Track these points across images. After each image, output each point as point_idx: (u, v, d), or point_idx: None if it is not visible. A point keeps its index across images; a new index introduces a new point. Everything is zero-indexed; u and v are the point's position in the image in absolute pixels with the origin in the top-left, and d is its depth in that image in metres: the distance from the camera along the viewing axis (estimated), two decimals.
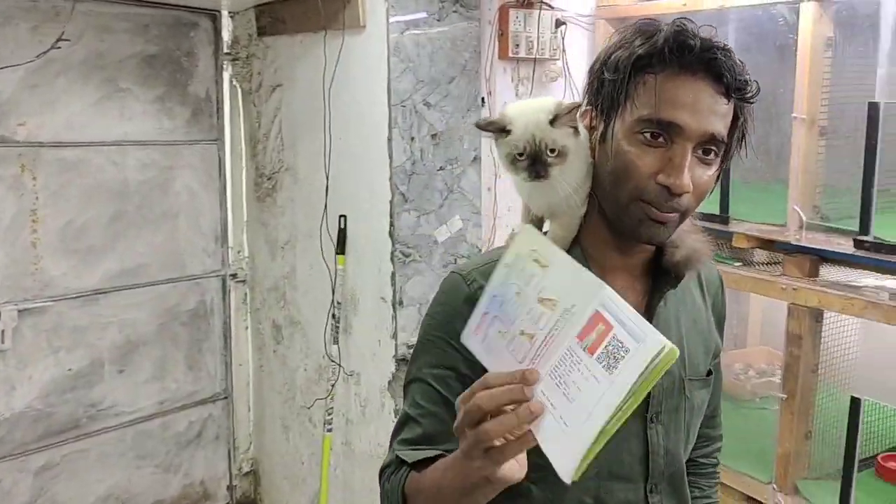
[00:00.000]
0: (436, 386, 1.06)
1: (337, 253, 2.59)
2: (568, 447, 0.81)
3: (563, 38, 2.49)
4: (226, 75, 3.05)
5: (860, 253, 1.88)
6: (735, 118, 1.00)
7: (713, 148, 0.99)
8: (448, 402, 1.06)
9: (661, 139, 0.97)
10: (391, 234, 2.39)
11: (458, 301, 1.07)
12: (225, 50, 3.04)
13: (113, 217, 2.75)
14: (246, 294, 3.25)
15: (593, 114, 1.04)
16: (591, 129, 1.05)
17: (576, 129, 1.03)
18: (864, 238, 1.86)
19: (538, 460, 1.04)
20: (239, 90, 3.10)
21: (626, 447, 1.08)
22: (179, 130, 2.91)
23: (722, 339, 1.22)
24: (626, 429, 1.02)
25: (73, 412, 2.71)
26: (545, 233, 1.10)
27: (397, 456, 1.06)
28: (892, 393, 2.04)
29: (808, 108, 1.97)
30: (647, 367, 0.77)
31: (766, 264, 2.26)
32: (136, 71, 2.77)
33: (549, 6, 2.47)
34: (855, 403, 1.90)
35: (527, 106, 1.06)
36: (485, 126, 1.06)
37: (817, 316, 2.01)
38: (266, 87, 2.96)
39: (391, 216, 2.37)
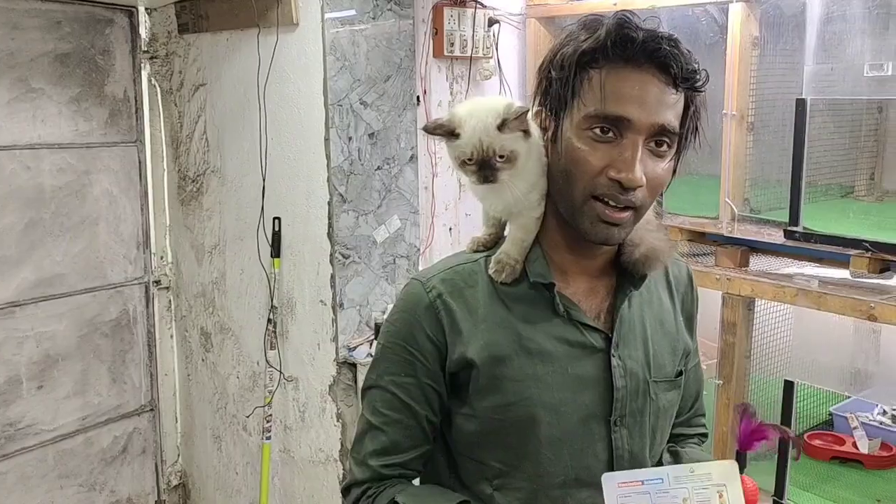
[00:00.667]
0: (397, 393, 1.06)
1: (272, 256, 2.53)
2: None
3: (496, 37, 2.51)
4: (144, 74, 2.93)
5: (790, 243, 1.97)
6: (686, 108, 0.99)
7: (665, 139, 0.97)
8: (410, 408, 1.06)
9: (610, 134, 0.96)
10: (330, 236, 2.35)
11: (417, 308, 1.06)
12: (143, 48, 2.91)
13: (28, 225, 2.60)
14: (171, 301, 3.13)
15: (544, 114, 1.03)
16: (543, 128, 1.04)
17: (526, 132, 1.02)
18: (794, 228, 1.95)
19: (501, 466, 1.04)
20: (158, 90, 2.98)
21: (590, 452, 1.05)
22: (97, 132, 2.78)
23: (693, 338, 1.20)
24: (590, 434, 1.04)
25: None
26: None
27: (376, 471, 1.05)
28: (821, 375, 2.15)
29: (738, 104, 2.05)
30: None
31: (699, 256, 2.34)
32: (48, 70, 2.62)
33: (482, 5, 2.48)
34: (788, 386, 1.99)
35: (477, 107, 1.04)
36: (433, 130, 1.04)
37: (749, 304, 2.09)
38: (188, 87, 2.86)
39: (330, 217, 2.33)
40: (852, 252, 1.85)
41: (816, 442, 2.26)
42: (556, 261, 1.07)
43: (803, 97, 1.88)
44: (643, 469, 0.99)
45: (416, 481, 1.12)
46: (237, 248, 2.73)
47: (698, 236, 2.26)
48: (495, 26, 2.51)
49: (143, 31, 2.92)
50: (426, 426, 1.07)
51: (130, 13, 2.85)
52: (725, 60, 2.03)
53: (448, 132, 1.02)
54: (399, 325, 1.07)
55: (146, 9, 2.91)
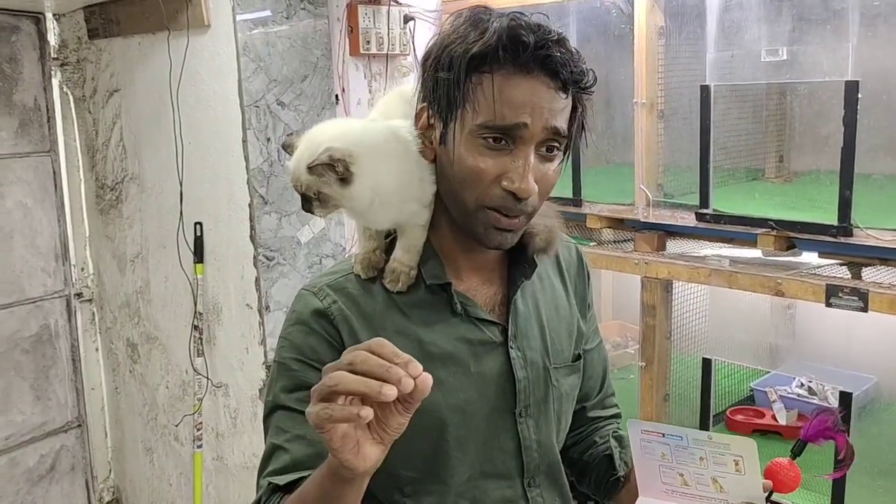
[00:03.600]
0: (298, 408, 0.98)
1: (195, 262, 2.49)
2: None
3: (412, 34, 2.52)
4: (55, 82, 2.85)
5: (702, 225, 2.03)
6: (574, 109, 0.98)
7: (556, 143, 0.97)
8: None
9: (502, 142, 0.94)
10: (252, 238, 2.33)
11: (309, 317, 1.01)
12: (52, 55, 2.83)
13: None
14: (94, 313, 3.05)
15: (430, 112, 0.98)
16: (428, 127, 1.00)
17: (344, 179, 0.97)
18: (705, 211, 2.01)
19: (412, 474, 1.02)
20: (71, 97, 2.90)
21: (496, 444, 1.05)
22: (6, 143, 2.69)
23: (588, 319, 1.21)
24: (496, 427, 1.04)
25: None
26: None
27: (269, 483, 0.98)
28: (738, 351, 2.22)
29: (647, 93, 2.10)
30: None
31: (619, 242, 2.40)
32: None
33: (397, 2, 2.49)
34: (706, 363, 2.06)
35: (311, 137, 1.00)
36: (286, 148, 1.02)
37: (667, 286, 2.15)
38: (102, 93, 2.79)
39: (251, 220, 2.31)
40: (758, 231, 1.92)
41: (738, 417, 2.34)
42: (450, 258, 1.05)
43: (707, 84, 1.94)
44: (665, 425, 0.99)
45: None
46: (160, 256, 2.68)
47: (617, 223, 2.31)
48: (411, 23, 2.52)
49: (52, 38, 2.84)
50: None
51: (37, 20, 2.77)
52: (633, 50, 2.09)
53: (290, 154, 1.01)
54: (293, 337, 1.02)
55: (54, 15, 2.83)
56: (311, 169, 0.96)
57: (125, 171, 2.77)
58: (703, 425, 2.07)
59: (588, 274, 1.22)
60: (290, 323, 1.04)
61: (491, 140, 0.94)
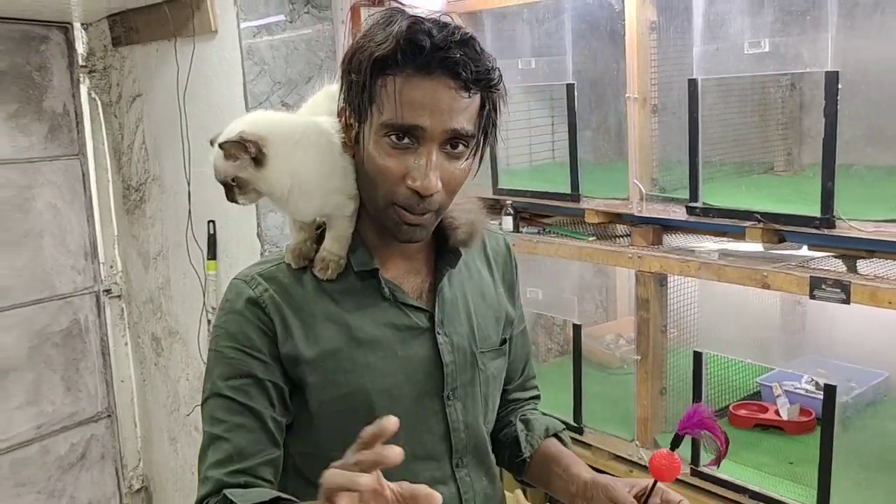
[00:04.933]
0: (235, 397, 1.02)
1: (208, 258, 2.59)
2: None
3: None
4: (83, 88, 2.99)
5: (692, 219, 2.03)
6: (482, 107, 1.00)
7: (460, 142, 0.99)
8: (252, 410, 1.02)
9: (406, 140, 0.97)
10: (259, 235, 2.41)
11: (243, 306, 1.04)
12: (80, 62, 2.97)
13: None
14: (122, 309, 3.19)
15: (348, 112, 1.02)
16: (347, 126, 1.03)
17: (256, 159, 1.00)
18: (695, 205, 2.02)
19: (342, 456, 1.04)
20: (98, 102, 3.04)
21: (425, 427, 1.09)
22: (37, 147, 2.84)
23: (515, 306, 1.25)
24: (424, 410, 1.08)
25: None
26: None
27: (218, 481, 0.99)
28: (731, 345, 2.20)
29: (640, 87, 2.11)
30: None
31: (621, 237, 2.41)
32: None
33: (400, 3, 2.54)
34: (698, 357, 2.06)
35: (229, 128, 1.03)
36: (212, 143, 1.06)
37: (662, 280, 2.16)
38: (126, 98, 2.92)
39: (258, 217, 2.40)
40: (746, 224, 1.92)
41: (742, 412, 2.32)
42: (377, 247, 1.09)
43: (694, 77, 1.94)
44: None
45: None
46: (178, 254, 2.79)
47: (616, 217, 2.32)
48: None
49: (80, 46, 2.98)
50: (272, 427, 1.04)
51: (66, 29, 2.91)
52: (625, 45, 2.10)
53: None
54: (227, 325, 1.05)
55: (81, 24, 2.98)
56: (225, 153, 1.00)
57: (147, 172, 2.89)
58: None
59: (516, 264, 1.26)
60: (224, 312, 1.07)
61: (394, 138, 0.97)
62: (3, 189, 2.74)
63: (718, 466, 1.11)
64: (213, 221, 2.57)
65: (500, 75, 1.00)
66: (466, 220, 1.12)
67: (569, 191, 2.31)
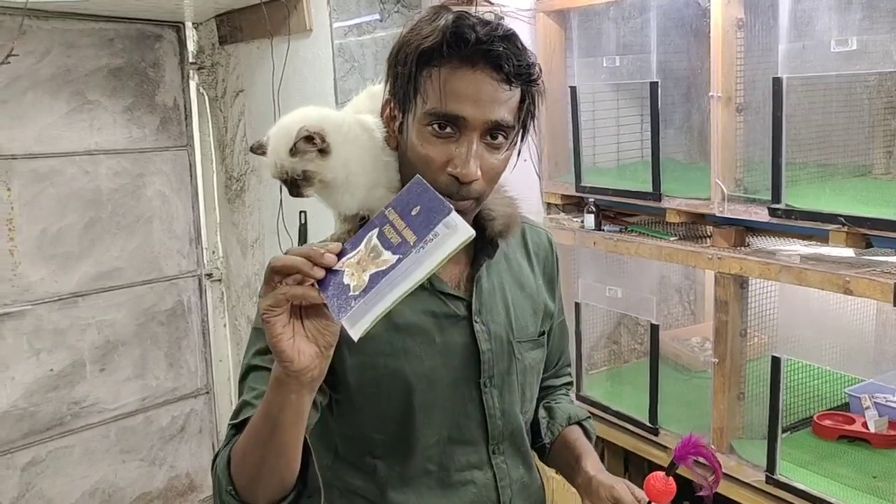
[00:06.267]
0: (269, 367, 0.99)
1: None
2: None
3: None
4: (192, 84, 3.19)
5: (774, 220, 1.98)
6: (522, 101, 1.03)
7: (500, 133, 1.02)
8: None
9: (448, 129, 1.00)
10: None
11: None
12: (191, 59, 3.17)
13: (87, 224, 2.89)
14: (223, 292, 3.38)
15: (392, 104, 1.06)
16: (392, 118, 1.07)
17: (323, 151, 1.05)
18: (777, 206, 1.97)
19: (382, 437, 1.10)
20: (206, 97, 3.23)
21: (462, 412, 1.12)
22: (149, 138, 3.05)
23: (555, 300, 1.27)
24: (461, 395, 1.12)
25: (56, 410, 2.84)
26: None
27: (230, 427, 1.03)
28: (816, 353, 2.14)
29: (724, 86, 2.08)
30: (454, 250, 0.84)
31: (705, 238, 2.37)
32: (103, 83, 2.90)
33: (489, 2, 2.57)
34: (776, 363, 2.01)
35: (280, 126, 1.07)
36: (254, 150, 1.10)
37: (742, 282, 2.11)
38: (230, 93, 3.09)
39: None
40: (830, 227, 1.86)
41: (826, 422, 2.25)
42: None
43: (779, 75, 1.89)
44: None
45: None
46: (273, 242, 2.94)
47: (699, 218, 2.29)
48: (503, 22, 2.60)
49: (191, 44, 3.18)
50: None
51: (178, 28, 3.11)
52: (710, 43, 2.07)
53: (263, 152, 1.08)
54: None
55: (192, 23, 3.17)
56: (292, 151, 1.05)
57: (248, 163, 3.05)
58: (772, 426, 2.02)
59: (558, 258, 1.29)
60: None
61: (437, 127, 1.01)
62: (119, 177, 2.96)
63: (711, 495, 1.13)
64: (304, 212, 2.69)
65: (541, 70, 1.04)
66: (503, 213, 1.15)
67: (650, 190, 2.30)
